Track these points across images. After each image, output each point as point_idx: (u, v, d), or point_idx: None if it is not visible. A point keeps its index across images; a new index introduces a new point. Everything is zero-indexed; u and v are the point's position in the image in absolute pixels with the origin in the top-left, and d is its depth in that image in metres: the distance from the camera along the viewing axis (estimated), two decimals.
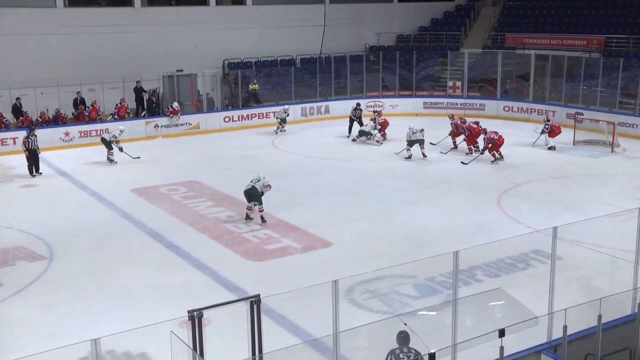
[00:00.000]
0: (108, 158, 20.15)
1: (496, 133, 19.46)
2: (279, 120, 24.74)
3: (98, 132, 23.22)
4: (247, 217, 14.81)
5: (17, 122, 22.94)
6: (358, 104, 24.23)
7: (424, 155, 19.87)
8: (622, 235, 11.00)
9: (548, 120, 21.81)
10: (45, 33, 24.82)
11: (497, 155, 19.43)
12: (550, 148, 21.05)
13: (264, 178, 14.84)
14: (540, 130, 21.37)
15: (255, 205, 14.69)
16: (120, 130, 20.56)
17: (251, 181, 14.81)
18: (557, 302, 8.90)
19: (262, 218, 14.64)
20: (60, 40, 25.00)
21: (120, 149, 20.22)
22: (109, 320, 10.01)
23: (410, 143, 19.86)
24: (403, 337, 7.28)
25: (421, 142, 19.90)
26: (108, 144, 20.19)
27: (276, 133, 24.44)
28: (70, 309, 10.73)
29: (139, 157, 17.75)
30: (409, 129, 19.96)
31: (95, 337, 5.97)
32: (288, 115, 25.12)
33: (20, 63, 24.24)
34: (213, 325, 8.10)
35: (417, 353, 7.28)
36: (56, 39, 24.94)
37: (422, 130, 20.01)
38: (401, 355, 7.32)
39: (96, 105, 24.08)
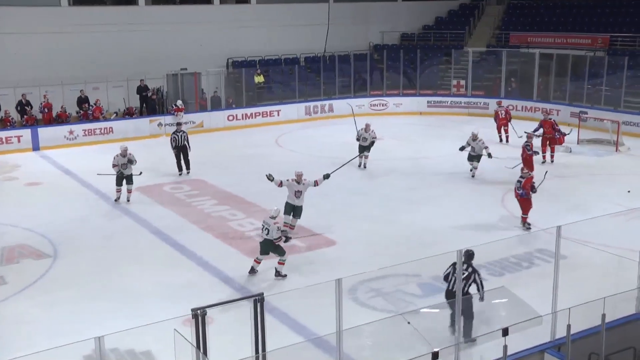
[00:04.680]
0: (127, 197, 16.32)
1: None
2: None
3: (102, 131, 23.32)
4: (252, 270, 11.85)
5: (22, 120, 22.98)
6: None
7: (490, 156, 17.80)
8: (627, 235, 11.00)
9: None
10: (49, 32, 24.86)
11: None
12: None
13: (273, 223, 11.54)
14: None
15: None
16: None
17: (262, 229, 11.78)
18: (561, 301, 8.88)
19: (277, 271, 11.72)
20: (65, 39, 25.05)
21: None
22: (113, 318, 10.03)
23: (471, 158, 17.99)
24: (468, 255, 9.30)
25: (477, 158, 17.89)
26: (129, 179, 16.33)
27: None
28: (75, 307, 10.75)
29: (141, 173, 16.84)
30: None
31: (99, 335, 5.98)
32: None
33: (25, 62, 24.28)
34: (217, 324, 8.12)
35: (474, 271, 9.28)
36: (60, 37, 24.99)
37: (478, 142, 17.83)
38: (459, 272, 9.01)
39: (99, 103, 24.10)
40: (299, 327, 9.94)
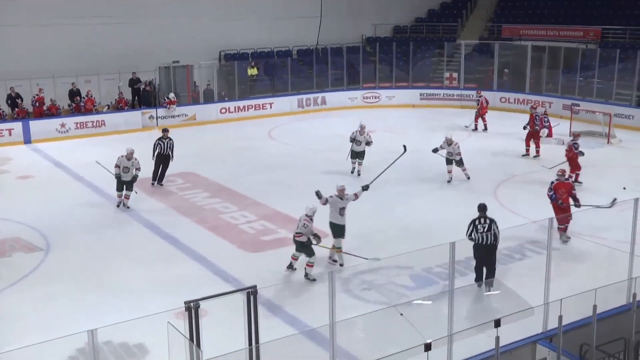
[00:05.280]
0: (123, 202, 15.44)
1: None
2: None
3: (94, 124, 23.22)
4: (290, 267, 11.61)
5: (13, 114, 22.85)
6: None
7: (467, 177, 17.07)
8: (618, 226, 11.04)
9: (547, 119, 21.65)
10: (40, 24, 24.68)
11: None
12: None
13: (303, 219, 11.31)
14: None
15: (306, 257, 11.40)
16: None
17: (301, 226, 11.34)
18: (552, 293, 8.93)
19: (305, 273, 11.34)
20: (56, 31, 24.87)
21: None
22: (106, 311, 10.02)
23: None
24: (482, 207, 10.80)
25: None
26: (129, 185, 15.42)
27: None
28: (68, 300, 10.73)
29: (136, 193, 15.39)
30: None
31: (92, 328, 5.98)
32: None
33: (15, 54, 24.11)
34: (210, 316, 8.12)
35: (492, 221, 10.67)
36: (52, 30, 24.82)
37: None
38: (479, 226, 10.71)
39: (90, 95, 23.98)
40: (292, 319, 9.96)
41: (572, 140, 17.10)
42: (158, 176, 16.97)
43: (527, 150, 19.51)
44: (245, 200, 15.83)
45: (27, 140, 22.07)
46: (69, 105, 23.91)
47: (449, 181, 16.91)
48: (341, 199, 11.87)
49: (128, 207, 15.22)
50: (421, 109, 27.08)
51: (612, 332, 8.07)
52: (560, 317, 7.39)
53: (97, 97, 24.53)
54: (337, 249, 11.88)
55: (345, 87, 28.74)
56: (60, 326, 9.26)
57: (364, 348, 8.08)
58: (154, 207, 15.45)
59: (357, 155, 17.54)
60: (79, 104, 23.60)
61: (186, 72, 26.08)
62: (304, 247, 11.26)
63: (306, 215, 11.27)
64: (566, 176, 13.29)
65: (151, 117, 24.20)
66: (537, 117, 19.57)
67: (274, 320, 9.72)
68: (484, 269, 10.67)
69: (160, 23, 26.99)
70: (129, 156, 15.21)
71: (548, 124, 21.44)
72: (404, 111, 26.96)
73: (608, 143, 21.08)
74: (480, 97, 23.48)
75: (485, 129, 23.08)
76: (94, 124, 23.25)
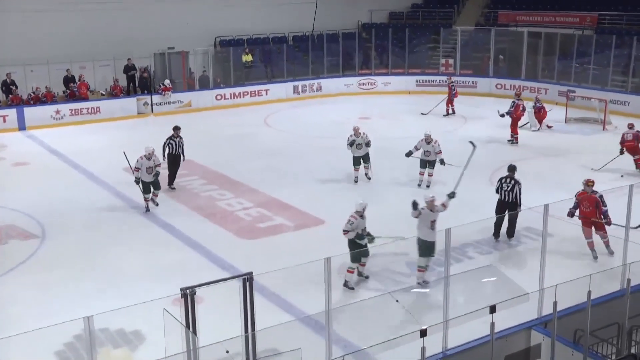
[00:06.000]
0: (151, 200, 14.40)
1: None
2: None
3: (89, 110, 23.13)
4: (360, 274, 10.91)
5: (7, 100, 22.74)
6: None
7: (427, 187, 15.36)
8: (612, 213, 11.08)
9: (538, 101, 21.75)
10: (34, 10, 24.46)
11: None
12: (535, 130, 20.87)
13: (359, 224, 10.49)
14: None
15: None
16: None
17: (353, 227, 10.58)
18: (547, 279, 8.98)
19: (358, 272, 10.85)
20: (50, 17, 24.67)
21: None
22: (102, 298, 10.03)
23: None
24: (511, 168, 12.42)
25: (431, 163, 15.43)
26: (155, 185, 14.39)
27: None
28: (64, 287, 10.74)
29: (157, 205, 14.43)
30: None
31: (88, 315, 5.99)
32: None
33: (9, 40, 23.90)
34: (206, 303, 8.15)
35: (517, 182, 12.21)
36: (46, 15, 24.61)
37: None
38: (504, 185, 12.31)
39: (83, 79, 23.84)
40: (288, 306, 10.00)
41: (637, 130, 16.69)
42: (169, 177, 15.66)
43: (515, 137, 19.57)
44: (241, 187, 15.82)
45: (22, 127, 21.98)
46: (63, 92, 23.80)
47: (427, 186, 15.19)
48: (431, 211, 10.56)
49: (157, 205, 14.29)
50: (417, 95, 27.04)
51: (606, 318, 8.13)
52: (555, 303, 7.43)
53: (92, 83, 24.42)
54: (421, 268, 10.50)
55: (341, 73, 28.66)
56: (56, 313, 9.27)
57: (360, 334, 8.12)
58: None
59: (360, 160, 15.79)
60: (74, 90, 23.49)
61: (181, 58, 25.97)
62: (354, 246, 10.47)
63: (355, 211, 10.50)
64: (594, 188, 11.36)
65: (145, 103, 24.12)
66: (513, 103, 19.66)
67: (270, 306, 9.75)
68: (502, 227, 12.20)
69: (155, 9, 26.79)
70: (150, 155, 14.00)
71: (535, 107, 21.28)
72: (400, 97, 26.92)
73: (604, 129, 21.11)
74: (452, 83, 23.66)
75: (453, 112, 23.41)
76: (89, 110, 23.17)
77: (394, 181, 16.08)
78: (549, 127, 21.06)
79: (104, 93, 24.46)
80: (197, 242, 12.57)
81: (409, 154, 15.40)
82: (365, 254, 10.60)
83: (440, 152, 15.13)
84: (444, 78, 25.79)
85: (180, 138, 15.76)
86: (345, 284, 10.51)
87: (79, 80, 23.76)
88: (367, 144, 15.69)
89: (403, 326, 7.15)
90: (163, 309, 6.55)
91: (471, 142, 13.36)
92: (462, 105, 24.14)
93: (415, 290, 10.09)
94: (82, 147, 19.60)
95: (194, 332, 6.81)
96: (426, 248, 10.41)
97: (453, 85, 23.65)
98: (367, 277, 10.85)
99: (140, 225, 13.58)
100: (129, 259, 11.89)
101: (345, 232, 10.49)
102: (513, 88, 26.43)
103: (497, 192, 12.51)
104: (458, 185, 11.88)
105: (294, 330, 8.41)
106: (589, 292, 7.46)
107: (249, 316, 7.41)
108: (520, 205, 12.16)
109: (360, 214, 10.50)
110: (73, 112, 22.88)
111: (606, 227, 11.21)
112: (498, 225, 12.28)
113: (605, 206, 11.13)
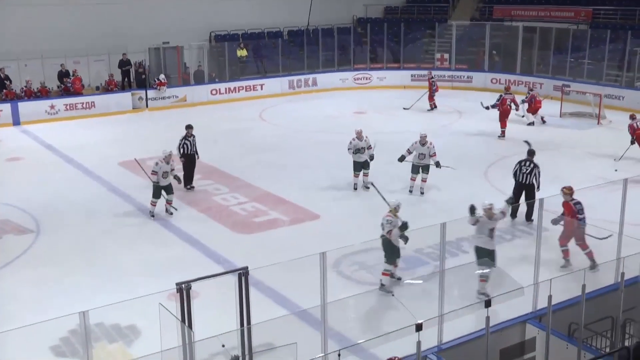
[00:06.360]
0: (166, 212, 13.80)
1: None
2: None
3: (84, 105, 23.05)
4: (392, 276, 10.49)
5: (1, 95, 22.64)
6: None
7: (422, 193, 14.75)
8: (607, 207, 11.10)
9: (531, 90, 21.79)
10: (28, 4, 24.36)
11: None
12: (530, 124, 20.94)
13: (390, 224, 10.16)
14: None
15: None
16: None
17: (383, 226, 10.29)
18: (542, 273, 9.01)
19: (392, 275, 10.48)
20: (45, 11, 24.56)
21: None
22: (97, 293, 10.03)
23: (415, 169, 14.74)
24: (531, 152, 13.12)
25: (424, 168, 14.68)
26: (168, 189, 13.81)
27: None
28: (59, 282, 10.73)
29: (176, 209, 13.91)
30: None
31: (83, 310, 5.98)
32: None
33: (3, 34, 23.83)
34: (201, 298, 8.15)
35: (535, 166, 12.84)
36: (40, 10, 24.50)
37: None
38: (523, 167, 12.91)
39: (77, 74, 23.75)
40: (284, 300, 10.01)
41: None
42: (185, 178, 15.17)
43: (502, 132, 19.61)
44: (237, 181, 15.81)
45: (16, 121, 21.90)
46: (58, 87, 23.72)
47: (422, 193, 14.62)
48: (489, 218, 10.07)
49: (174, 211, 13.70)
50: (412, 90, 27.03)
51: (600, 311, 8.15)
52: (550, 297, 7.44)
53: (87, 78, 24.34)
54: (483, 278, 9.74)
55: (336, 68, 28.63)
56: (51, 308, 9.25)
57: (355, 328, 8.14)
58: (145, 189, 15.37)
59: (361, 166, 14.85)
60: (67, 85, 23.40)
61: (176, 53, 25.90)
62: (389, 246, 10.19)
63: (389, 211, 10.32)
64: (573, 196, 10.93)
65: (140, 98, 24.06)
66: (500, 97, 19.71)
67: (265, 301, 9.75)
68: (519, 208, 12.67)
69: (150, 3, 26.72)
70: (168, 159, 13.44)
71: (527, 99, 21.27)
72: (395, 92, 26.91)
73: (598, 124, 21.15)
74: (432, 78, 23.66)
75: (435, 107, 23.35)
76: (84, 105, 23.09)
77: (389, 174, 16.06)
78: (543, 121, 21.07)
79: (98, 87, 24.37)
80: (193, 236, 12.57)
81: (401, 159, 14.60)
82: (399, 254, 10.35)
83: (435, 154, 14.38)
84: (424, 72, 25.81)
85: (194, 137, 15.40)
86: (382, 287, 10.14)
87: (73, 75, 23.66)
88: (369, 148, 14.83)
89: (398, 320, 7.16)
90: (158, 303, 6.55)
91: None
92: (457, 100, 24.16)
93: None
94: (76, 142, 19.54)
95: (190, 326, 6.81)
96: (487, 255, 9.90)
97: (433, 81, 23.60)
98: (399, 279, 10.45)
99: (135, 220, 13.56)
100: (124, 253, 11.87)
101: (389, 232, 10.06)
102: (508, 83, 26.46)
103: (514, 175, 12.97)
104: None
105: (289, 324, 8.43)
106: (584, 286, 7.47)
107: (244, 310, 7.41)
108: (538, 187, 12.76)
109: (395, 213, 10.24)
110: (67, 107, 22.80)
111: (593, 234, 10.77)
112: (515, 207, 12.56)
113: (582, 214, 10.82)
